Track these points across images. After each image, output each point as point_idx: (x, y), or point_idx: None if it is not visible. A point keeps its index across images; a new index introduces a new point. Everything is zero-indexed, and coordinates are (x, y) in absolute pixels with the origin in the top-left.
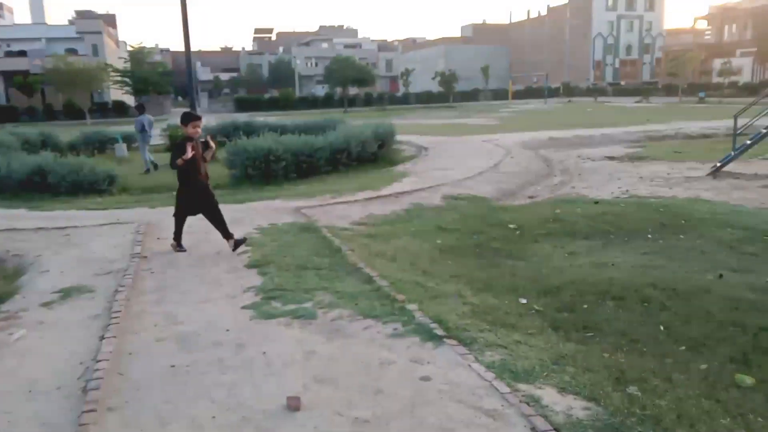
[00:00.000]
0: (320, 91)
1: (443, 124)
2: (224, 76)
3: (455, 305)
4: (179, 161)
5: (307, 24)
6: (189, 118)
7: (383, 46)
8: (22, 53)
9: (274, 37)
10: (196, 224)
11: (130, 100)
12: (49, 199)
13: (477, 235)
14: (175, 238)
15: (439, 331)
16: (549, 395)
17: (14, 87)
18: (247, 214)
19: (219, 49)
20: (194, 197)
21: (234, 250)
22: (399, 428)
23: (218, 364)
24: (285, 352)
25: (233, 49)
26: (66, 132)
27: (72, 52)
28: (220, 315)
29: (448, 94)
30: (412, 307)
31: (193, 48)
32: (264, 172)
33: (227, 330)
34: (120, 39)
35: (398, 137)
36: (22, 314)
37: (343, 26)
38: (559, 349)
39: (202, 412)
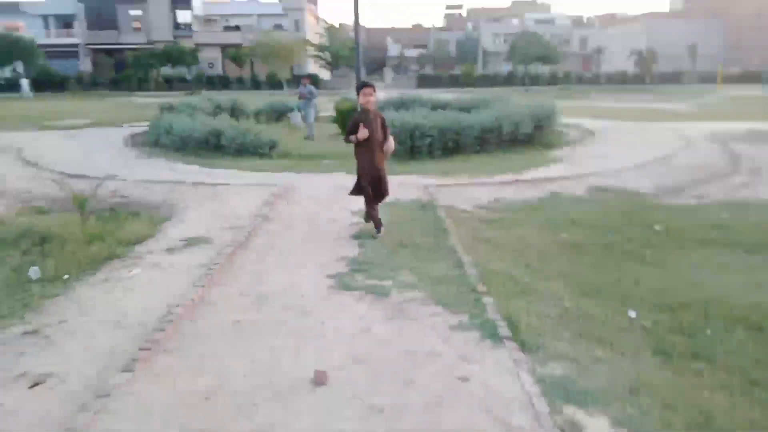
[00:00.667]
0: (506, 68)
1: (627, 108)
2: (413, 53)
3: (542, 306)
4: (352, 138)
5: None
6: (359, 86)
7: (578, 21)
8: (237, 28)
9: (464, 13)
10: (325, 192)
11: (325, 74)
12: (219, 158)
13: (611, 233)
14: (374, 223)
15: (504, 331)
16: (597, 426)
17: (228, 58)
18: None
19: (410, 26)
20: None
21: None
22: (409, 425)
23: (277, 326)
24: (342, 326)
25: (423, 26)
26: (259, 99)
27: (278, 27)
28: (305, 280)
29: (644, 75)
30: (488, 300)
31: (386, 25)
32: (409, 147)
33: (302, 296)
34: (320, 16)
35: (566, 120)
36: (148, 256)
37: (536, 1)
38: (647, 377)
39: (238, 369)
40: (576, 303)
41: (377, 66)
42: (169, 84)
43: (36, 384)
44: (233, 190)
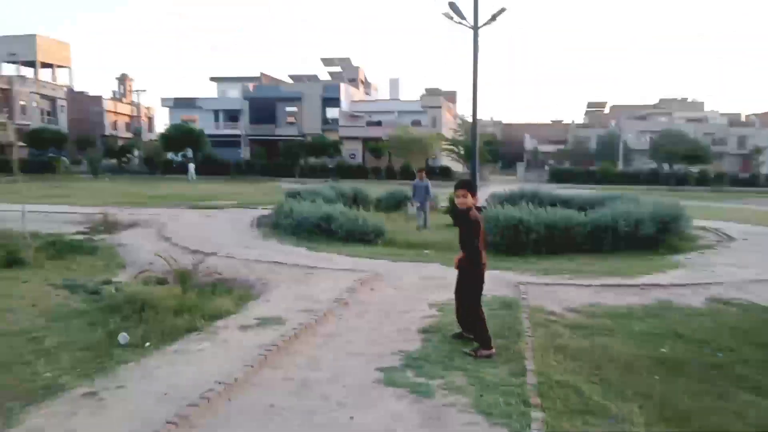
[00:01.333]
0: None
1: None
2: (549, 148)
3: (603, 429)
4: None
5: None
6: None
7: (735, 120)
8: (378, 123)
9: (607, 110)
10: (412, 282)
11: (458, 166)
12: (327, 243)
13: (721, 353)
14: (485, 345)
15: None
16: None
17: (368, 150)
18: None
19: (550, 122)
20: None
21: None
22: None
23: (306, 416)
24: (369, 424)
25: (563, 122)
26: (381, 188)
27: (416, 123)
28: (353, 371)
29: None
30: (537, 415)
31: (524, 121)
32: (511, 243)
33: (344, 386)
34: (459, 112)
35: (705, 223)
36: (221, 331)
37: (686, 99)
38: None
39: None
40: (648, 430)
41: (513, 160)
42: (314, 172)
43: None
44: (324, 274)
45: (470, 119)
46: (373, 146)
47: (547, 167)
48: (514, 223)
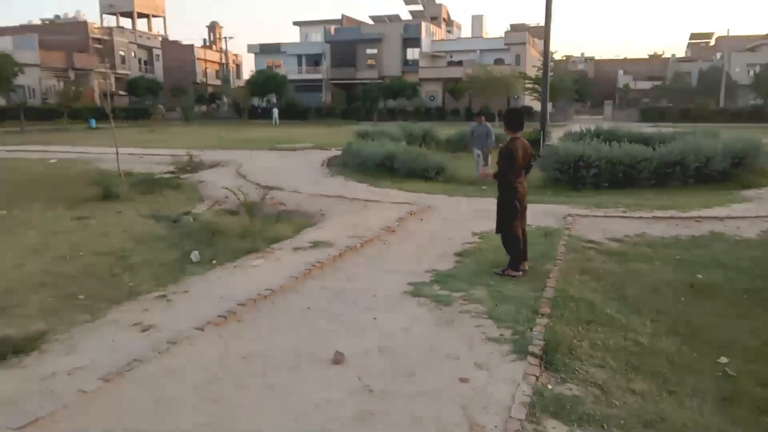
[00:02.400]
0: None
1: None
2: (645, 85)
3: (606, 336)
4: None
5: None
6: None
7: None
8: (459, 63)
9: (712, 42)
10: (461, 214)
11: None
12: (388, 179)
13: (761, 280)
14: (513, 265)
15: (535, 350)
16: None
17: (448, 92)
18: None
19: (647, 57)
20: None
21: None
22: (386, 406)
23: (336, 316)
24: (389, 324)
25: (663, 56)
26: (453, 128)
27: (499, 62)
28: (386, 285)
29: None
30: (542, 321)
31: (620, 55)
32: (572, 178)
33: (374, 296)
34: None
35: None
36: (277, 252)
37: None
38: (680, 416)
39: (282, 342)
40: (655, 340)
41: (604, 98)
42: (391, 114)
43: (144, 329)
44: (379, 206)
45: (559, 56)
46: (452, 87)
47: (636, 106)
48: (575, 159)
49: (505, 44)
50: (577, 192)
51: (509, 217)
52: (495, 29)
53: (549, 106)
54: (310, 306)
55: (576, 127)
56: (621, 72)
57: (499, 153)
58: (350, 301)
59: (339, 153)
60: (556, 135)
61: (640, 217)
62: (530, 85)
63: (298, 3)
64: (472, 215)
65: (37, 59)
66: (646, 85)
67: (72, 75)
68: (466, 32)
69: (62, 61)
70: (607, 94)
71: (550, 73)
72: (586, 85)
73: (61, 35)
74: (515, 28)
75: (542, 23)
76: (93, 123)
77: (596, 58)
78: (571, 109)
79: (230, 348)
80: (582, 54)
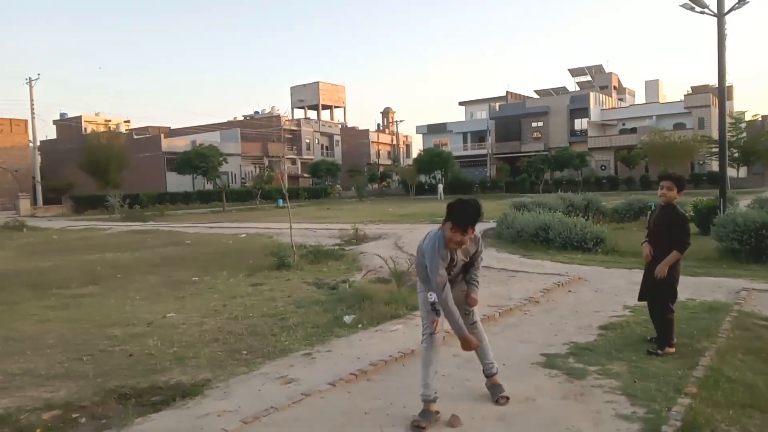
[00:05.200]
0: None
1: None
2: None
3: (762, 423)
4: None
5: None
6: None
7: None
8: (633, 130)
9: None
10: (613, 287)
11: (732, 172)
12: (542, 250)
13: None
14: (668, 342)
15: (668, 431)
16: None
17: (619, 160)
18: (689, 287)
19: None
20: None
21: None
22: None
23: (461, 381)
24: (513, 393)
25: None
26: (618, 198)
27: (679, 126)
28: (518, 354)
29: None
30: (684, 401)
31: None
32: (753, 249)
33: (504, 364)
34: (735, 109)
35: None
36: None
37: None
38: None
39: (405, 402)
40: None
41: None
42: (558, 186)
43: (287, 382)
44: (527, 277)
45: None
46: (625, 155)
47: None
48: (756, 228)
49: (685, 107)
50: (758, 265)
51: (675, 292)
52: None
53: (743, 171)
54: (438, 370)
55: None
56: None
57: (681, 221)
58: (478, 368)
59: (494, 225)
60: (743, 202)
61: None
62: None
63: (463, 85)
64: (626, 288)
65: (238, 149)
66: None
67: (266, 161)
68: (640, 98)
69: (258, 150)
70: None
71: (742, 135)
72: None
73: (258, 128)
74: (696, 90)
75: (730, 83)
76: (280, 202)
77: None
78: None
79: (355, 403)
80: None
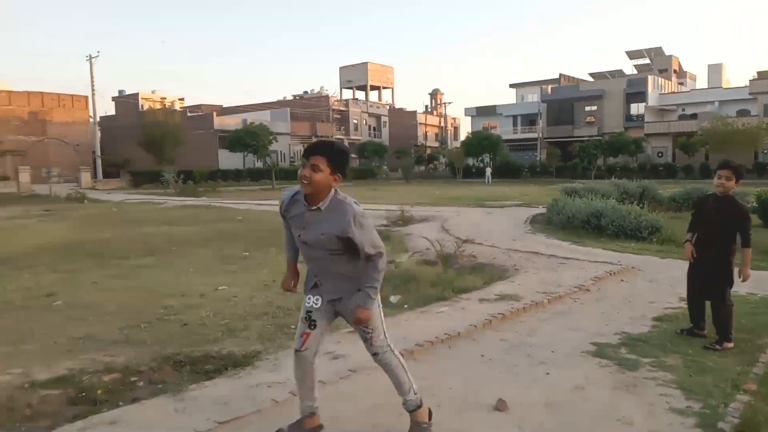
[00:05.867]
0: None
1: None
2: None
3: None
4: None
5: None
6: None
7: None
8: (693, 116)
9: None
10: (669, 277)
11: None
12: (594, 238)
13: None
14: (727, 336)
15: (726, 427)
16: None
17: (678, 147)
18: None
19: None
20: None
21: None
22: None
23: (509, 368)
24: (562, 381)
25: None
26: (681, 186)
27: (743, 113)
28: (568, 342)
29: None
30: (743, 398)
31: None
32: None
33: (552, 351)
34: None
35: None
36: (463, 301)
37: None
38: None
39: (450, 384)
40: None
41: None
42: (611, 172)
43: (334, 358)
44: (577, 264)
45: None
46: (684, 142)
47: None
48: None
49: (750, 93)
50: None
51: (729, 282)
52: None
53: None
54: (484, 354)
55: None
56: None
57: (744, 214)
58: (525, 354)
59: (544, 211)
60: None
61: None
62: None
63: (514, 66)
64: (683, 279)
65: (288, 129)
66: None
67: (314, 141)
68: (701, 83)
69: (307, 130)
70: None
71: None
72: None
73: (307, 108)
74: (762, 75)
75: None
76: None
77: None
78: None
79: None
80: None
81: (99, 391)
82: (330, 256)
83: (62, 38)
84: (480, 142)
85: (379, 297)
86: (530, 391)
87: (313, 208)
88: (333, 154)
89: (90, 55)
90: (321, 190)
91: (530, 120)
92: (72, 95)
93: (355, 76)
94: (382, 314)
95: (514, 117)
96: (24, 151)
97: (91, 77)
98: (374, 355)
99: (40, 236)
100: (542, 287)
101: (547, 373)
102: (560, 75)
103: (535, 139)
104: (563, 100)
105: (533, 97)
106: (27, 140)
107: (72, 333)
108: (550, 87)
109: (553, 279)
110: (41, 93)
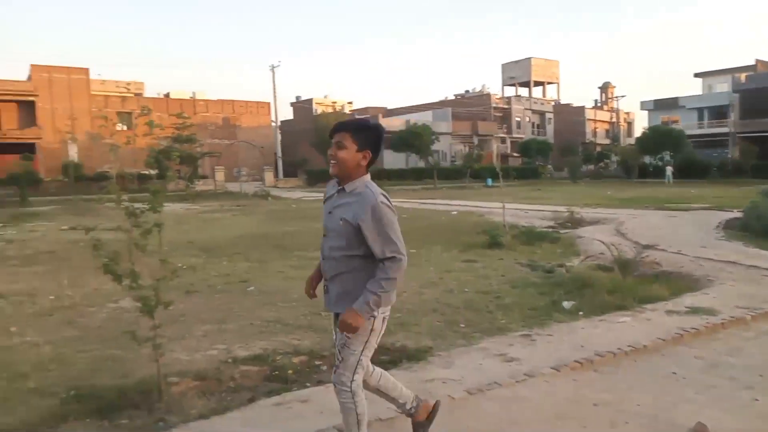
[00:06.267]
0: None
1: None
2: None
3: None
4: None
5: None
6: None
7: None
8: None
9: None
10: None
11: None
12: None
13: None
14: None
15: None
16: None
17: None
18: None
19: None
20: None
21: None
22: None
23: (706, 388)
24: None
25: None
26: None
27: None
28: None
29: None
30: None
31: None
32: None
33: (760, 375)
34: None
35: None
36: (648, 312)
37: None
38: None
39: (638, 400)
40: None
41: None
42: None
43: (507, 360)
44: None
45: None
46: None
47: None
48: None
49: None
50: None
51: None
52: None
53: None
54: (677, 372)
55: None
56: None
57: None
58: (727, 375)
59: (740, 215)
60: None
61: None
62: None
63: (699, 54)
64: None
65: (449, 128)
66: None
67: (475, 140)
68: None
69: (468, 129)
70: None
71: None
72: None
73: (468, 107)
74: None
75: None
76: (489, 182)
77: None
78: None
79: (582, 392)
80: None
81: (290, 372)
82: (345, 257)
83: (245, 47)
84: (659, 138)
85: (384, 324)
86: (734, 418)
87: (341, 188)
88: (356, 128)
89: (272, 65)
90: (349, 169)
91: (719, 113)
92: (257, 102)
93: (517, 73)
94: (377, 340)
95: (700, 110)
96: (219, 153)
97: (273, 85)
98: (333, 384)
99: (233, 228)
100: (743, 301)
101: (756, 400)
102: (756, 61)
103: (726, 134)
104: (761, 90)
105: (723, 87)
106: (221, 143)
107: (263, 316)
108: (743, 75)
109: (756, 293)
110: (232, 101)
